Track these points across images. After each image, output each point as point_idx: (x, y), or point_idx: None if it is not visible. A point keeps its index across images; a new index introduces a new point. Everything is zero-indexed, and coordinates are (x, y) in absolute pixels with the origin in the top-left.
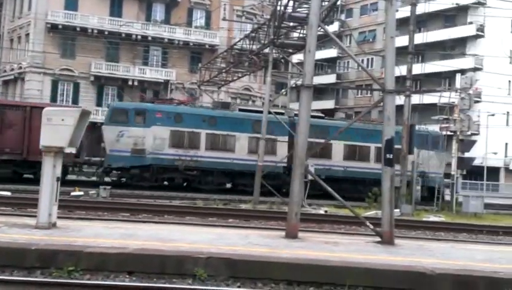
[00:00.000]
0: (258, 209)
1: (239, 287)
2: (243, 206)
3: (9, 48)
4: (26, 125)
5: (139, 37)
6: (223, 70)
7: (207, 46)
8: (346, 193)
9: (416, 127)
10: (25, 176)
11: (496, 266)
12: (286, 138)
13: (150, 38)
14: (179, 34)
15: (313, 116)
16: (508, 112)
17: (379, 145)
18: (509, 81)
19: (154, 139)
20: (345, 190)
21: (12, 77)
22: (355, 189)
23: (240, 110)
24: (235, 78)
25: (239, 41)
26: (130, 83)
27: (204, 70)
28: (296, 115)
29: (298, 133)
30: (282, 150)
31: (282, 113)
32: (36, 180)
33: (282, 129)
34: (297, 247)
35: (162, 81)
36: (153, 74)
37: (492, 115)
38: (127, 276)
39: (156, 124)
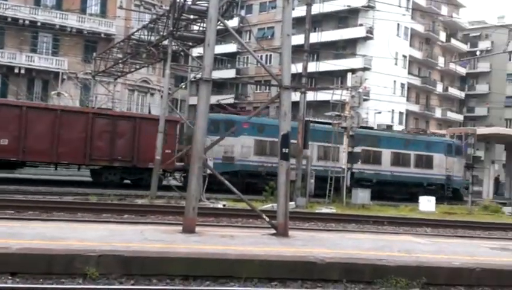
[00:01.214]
0: (155, 204)
1: (133, 285)
2: (139, 201)
3: None
4: (136, 135)
5: (26, 22)
6: (120, 61)
7: (102, 35)
8: (393, 194)
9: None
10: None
11: (380, 254)
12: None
13: (39, 23)
14: (72, 20)
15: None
16: (392, 110)
17: (417, 152)
18: (394, 81)
19: (241, 148)
20: (392, 192)
21: None
22: (400, 191)
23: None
24: (132, 69)
25: (137, 31)
26: (16, 71)
27: (99, 60)
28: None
29: (196, 127)
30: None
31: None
32: (138, 186)
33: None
34: (194, 241)
35: (52, 70)
36: (42, 62)
37: (379, 112)
38: (10, 277)
39: (243, 134)
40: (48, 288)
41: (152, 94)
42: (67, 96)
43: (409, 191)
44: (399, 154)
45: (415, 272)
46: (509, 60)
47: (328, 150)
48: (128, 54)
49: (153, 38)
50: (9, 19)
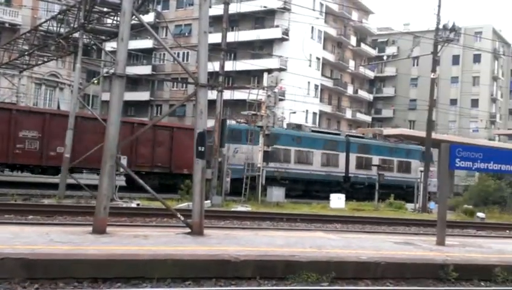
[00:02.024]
0: (64, 204)
1: (37, 289)
2: (46, 201)
3: None
4: (173, 143)
5: None
6: (26, 53)
7: (7, 25)
8: (380, 196)
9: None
10: None
11: (293, 250)
12: (345, 153)
13: None
14: None
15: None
16: (307, 110)
17: (400, 159)
18: (308, 82)
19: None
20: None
21: None
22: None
23: (313, 131)
24: (39, 62)
25: (45, 22)
26: None
27: (3, 52)
28: (350, 135)
29: (108, 124)
30: (342, 162)
31: (338, 134)
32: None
33: (342, 146)
34: (105, 242)
35: None
36: None
37: (294, 112)
38: None
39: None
40: None
41: (61, 89)
42: None
43: (393, 193)
44: (385, 160)
45: (325, 267)
46: (413, 65)
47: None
48: (35, 46)
49: (62, 30)
50: None
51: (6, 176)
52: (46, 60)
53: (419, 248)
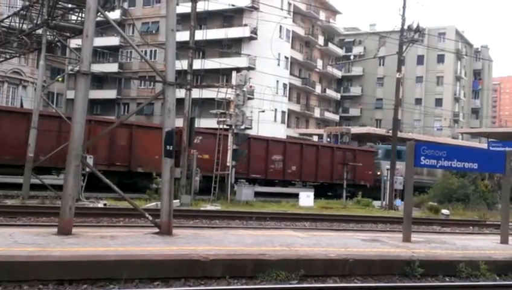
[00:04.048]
0: (28, 205)
1: None
2: (9, 202)
3: None
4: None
5: None
6: None
7: None
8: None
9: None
10: None
11: (262, 249)
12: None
13: None
14: None
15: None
16: (276, 109)
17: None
18: (277, 81)
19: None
20: None
21: None
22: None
23: None
24: (1, 59)
25: (7, 18)
26: None
27: None
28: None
29: (73, 123)
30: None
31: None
32: None
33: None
34: (71, 243)
35: None
36: None
37: (263, 111)
38: None
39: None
40: None
41: (25, 86)
42: None
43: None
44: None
45: (294, 265)
46: (379, 65)
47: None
48: None
49: (25, 26)
50: None
51: None
52: (8, 57)
53: (386, 244)
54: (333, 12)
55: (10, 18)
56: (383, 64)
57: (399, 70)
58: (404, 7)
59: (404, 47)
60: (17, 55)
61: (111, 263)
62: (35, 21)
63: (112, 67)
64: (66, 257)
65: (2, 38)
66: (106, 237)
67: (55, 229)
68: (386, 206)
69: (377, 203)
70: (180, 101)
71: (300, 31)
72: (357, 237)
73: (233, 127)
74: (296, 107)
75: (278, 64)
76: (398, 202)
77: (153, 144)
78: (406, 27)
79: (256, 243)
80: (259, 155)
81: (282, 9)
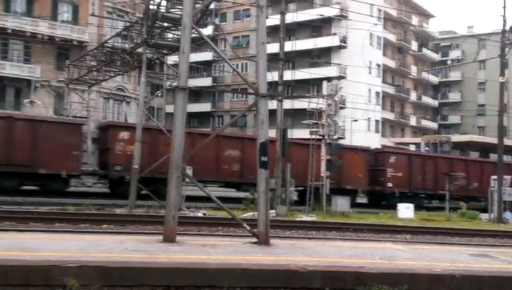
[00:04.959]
0: (134, 214)
1: None
2: (118, 211)
3: None
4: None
5: None
6: (94, 69)
7: (75, 43)
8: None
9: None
10: None
11: (362, 261)
12: None
13: (9, 30)
14: (43, 27)
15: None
16: (369, 118)
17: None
18: (369, 89)
19: None
20: None
21: None
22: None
23: None
24: (106, 77)
25: (110, 38)
26: None
27: (72, 68)
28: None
29: (173, 136)
30: None
31: None
32: None
33: None
34: (175, 251)
35: (25, 78)
36: (13, 69)
37: (356, 120)
38: None
39: None
40: None
41: (128, 102)
42: (40, 105)
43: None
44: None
45: (395, 279)
46: (480, 69)
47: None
48: (102, 62)
49: (127, 45)
50: None
51: (76, 187)
52: (112, 75)
53: (497, 260)
54: (426, 16)
55: (113, 39)
56: (484, 68)
57: (502, 74)
58: (504, 7)
59: (507, 49)
60: (121, 73)
61: (213, 271)
62: (135, 40)
63: (206, 82)
64: (172, 264)
65: (107, 57)
66: (207, 246)
67: (161, 237)
68: (494, 219)
69: (484, 216)
70: (272, 112)
71: (392, 37)
72: (464, 251)
73: (325, 137)
74: (391, 116)
75: (370, 72)
76: (508, 215)
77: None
78: (507, 28)
79: (355, 255)
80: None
81: (372, 16)
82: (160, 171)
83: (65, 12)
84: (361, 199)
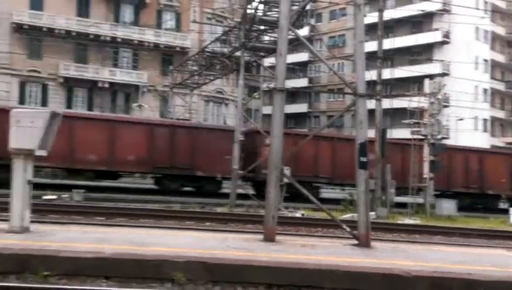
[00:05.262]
0: (235, 213)
1: None
2: (219, 209)
3: None
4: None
5: (108, 38)
6: (195, 73)
7: (178, 49)
8: None
9: None
10: None
11: (470, 268)
12: None
13: (119, 39)
14: (149, 35)
15: None
16: (476, 117)
17: None
18: (476, 86)
19: None
20: None
21: None
22: None
23: None
24: (207, 81)
25: (210, 43)
26: (100, 85)
27: (176, 73)
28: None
29: (272, 137)
30: None
31: None
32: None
33: None
34: (275, 250)
35: (133, 83)
36: (123, 76)
37: (461, 119)
38: (104, 281)
39: None
40: None
41: (226, 104)
42: (147, 108)
43: None
44: None
45: (509, 288)
46: None
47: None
48: (202, 66)
49: (225, 50)
50: (91, 36)
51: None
52: (212, 78)
53: None
54: None
55: (213, 44)
56: None
57: None
58: None
59: None
60: (220, 76)
61: (313, 272)
62: (233, 44)
63: (302, 82)
64: (273, 263)
65: (207, 62)
66: (306, 246)
67: (261, 236)
68: None
69: None
70: (370, 112)
71: (501, 31)
72: None
73: (428, 137)
74: (500, 114)
75: (476, 68)
76: None
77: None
78: None
79: (462, 262)
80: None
81: (478, 9)
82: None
83: (168, 20)
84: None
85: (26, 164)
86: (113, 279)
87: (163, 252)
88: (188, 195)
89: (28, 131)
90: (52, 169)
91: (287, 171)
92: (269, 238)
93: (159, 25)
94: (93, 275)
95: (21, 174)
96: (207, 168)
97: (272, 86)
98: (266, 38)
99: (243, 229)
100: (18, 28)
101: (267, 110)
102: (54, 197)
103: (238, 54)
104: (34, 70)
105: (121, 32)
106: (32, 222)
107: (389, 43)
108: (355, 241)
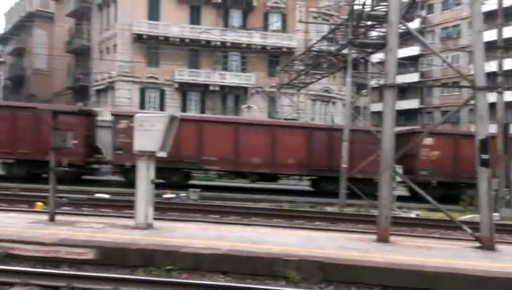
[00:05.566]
0: (345, 213)
1: None
2: (329, 209)
3: (100, 58)
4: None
5: (218, 43)
6: (302, 73)
7: (284, 49)
8: None
9: None
10: None
11: None
12: None
13: (228, 44)
14: (256, 38)
15: None
16: None
17: None
18: None
19: None
20: None
21: (103, 86)
22: None
23: None
24: (314, 80)
25: (316, 42)
26: (211, 88)
27: (283, 74)
28: None
29: (383, 135)
30: None
31: None
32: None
33: None
34: (389, 251)
35: (242, 86)
36: (233, 78)
37: None
38: (221, 276)
39: None
40: (257, 289)
41: (334, 103)
42: (256, 109)
43: None
44: None
45: None
46: None
47: None
48: (309, 66)
49: (332, 48)
50: (203, 42)
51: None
52: (319, 77)
53: None
54: None
55: (319, 42)
56: None
57: None
58: None
59: None
60: (327, 75)
61: (431, 274)
62: (340, 42)
63: (413, 77)
64: (388, 264)
65: (313, 61)
66: (423, 248)
67: (373, 236)
68: None
69: None
70: (491, 106)
71: None
72: None
73: None
74: None
75: None
76: None
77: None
78: None
79: None
80: None
81: None
82: (366, 171)
83: (275, 22)
84: None
85: (149, 165)
86: (229, 274)
87: (275, 250)
88: (300, 195)
89: (149, 134)
90: (218, 172)
91: (399, 169)
92: (383, 238)
93: (265, 27)
94: (211, 270)
95: (144, 174)
96: (363, 169)
97: (381, 82)
98: (374, 33)
99: (355, 229)
100: (138, 38)
101: (376, 107)
102: (173, 195)
103: (345, 51)
104: (153, 77)
105: (230, 37)
106: (154, 219)
107: (510, 32)
108: (478, 244)
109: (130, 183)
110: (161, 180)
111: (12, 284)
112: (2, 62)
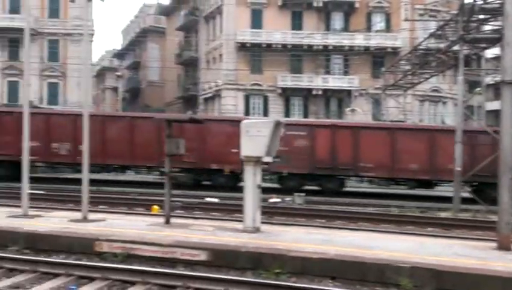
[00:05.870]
0: (460, 218)
1: None
2: (442, 214)
3: (207, 68)
4: None
5: (320, 47)
6: (408, 73)
7: (389, 50)
8: None
9: None
10: None
11: None
12: None
13: (330, 47)
14: (359, 40)
15: None
16: None
17: None
18: None
19: None
20: None
21: (211, 94)
22: None
23: None
24: (421, 80)
25: (423, 41)
26: (314, 92)
27: (388, 75)
28: None
29: (502, 134)
30: None
31: None
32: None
33: None
34: (509, 259)
35: (345, 89)
36: (335, 82)
37: None
38: (330, 281)
39: None
40: None
41: (444, 103)
42: (360, 112)
43: None
44: None
45: None
46: None
47: None
48: (416, 65)
49: (441, 45)
50: (305, 47)
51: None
52: (427, 76)
53: None
54: None
55: (426, 40)
56: None
57: None
58: None
59: None
60: (436, 73)
61: None
62: (450, 38)
63: None
64: (510, 273)
65: (420, 60)
66: None
67: (492, 244)
68: None
69: None
70: None
71: None
72: None
73: None
74: None
75: None
76: None
77: None
78: None
79: None
80: None
81: None
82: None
83: (378, 22)
84: None
85: (255, 170)
86: (338, 280)
87: (384, 255)
88: (407, 199)
89: (256, 139)
90: (372, 178)
91: None
92: (503, 246)
93: (368, 28)
94: (319, 274)
95: (251, 179)
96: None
97: (498, 79)
98: (488, 27)
99: (470, 235)
100: (242, 46)
101: (492, 106)
102: (278, 200)
103: (455, 48)
104: (256, 84)
105: (332, 40)
106: (262, 223)
107: None
108: None
109: (286, 190)
110: (316, 187)
111: (133, 283)
112: (120, 76)
